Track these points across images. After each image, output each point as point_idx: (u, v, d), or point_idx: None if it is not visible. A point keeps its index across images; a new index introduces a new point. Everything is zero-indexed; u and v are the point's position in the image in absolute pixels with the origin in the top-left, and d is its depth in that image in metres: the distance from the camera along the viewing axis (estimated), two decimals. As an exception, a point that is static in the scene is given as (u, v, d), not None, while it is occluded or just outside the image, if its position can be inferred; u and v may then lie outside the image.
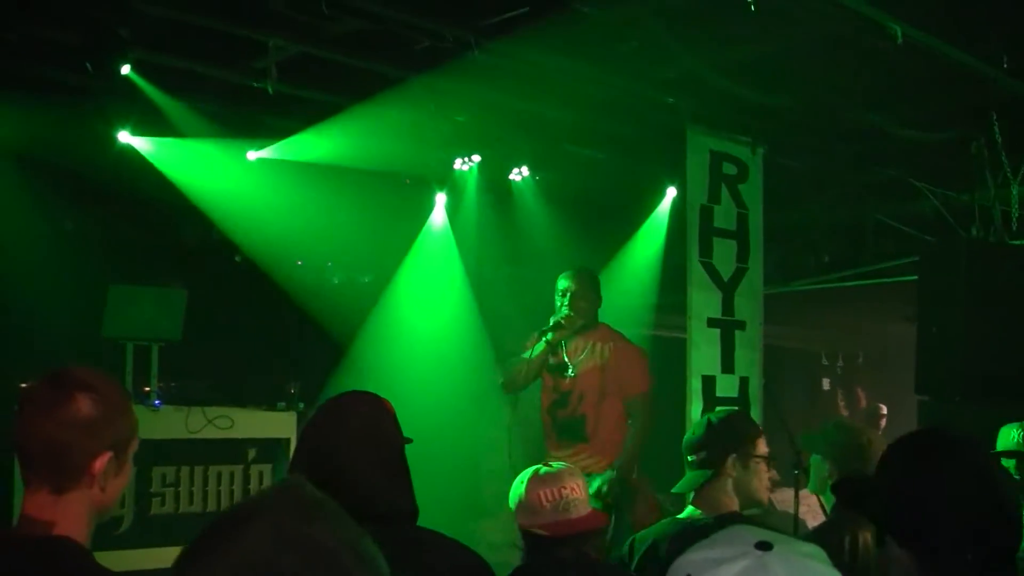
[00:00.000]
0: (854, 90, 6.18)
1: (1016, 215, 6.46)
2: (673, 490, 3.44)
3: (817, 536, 3.41)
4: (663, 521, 3.45)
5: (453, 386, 7.64)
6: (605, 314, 6.01)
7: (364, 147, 6.63)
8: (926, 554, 1.78)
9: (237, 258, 7.63)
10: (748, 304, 6.60)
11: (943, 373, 5.57)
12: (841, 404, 12.43)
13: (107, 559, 2.00)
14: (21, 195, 6.32)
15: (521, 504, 2.89)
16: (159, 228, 7.45)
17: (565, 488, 2.87)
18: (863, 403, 11.99)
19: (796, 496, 4.81)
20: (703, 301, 6.35)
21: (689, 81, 5.97)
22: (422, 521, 2.42)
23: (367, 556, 1.04)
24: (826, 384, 12.75)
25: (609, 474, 5.45)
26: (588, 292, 5.77)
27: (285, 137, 6.70)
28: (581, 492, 2.90)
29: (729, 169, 6.55)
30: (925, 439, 1.98)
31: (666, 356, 7.16)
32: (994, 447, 4.43)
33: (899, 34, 4.90)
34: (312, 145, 6.63)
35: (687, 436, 3.42)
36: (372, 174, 7.27)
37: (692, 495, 3.38)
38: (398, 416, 2.46)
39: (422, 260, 8.26)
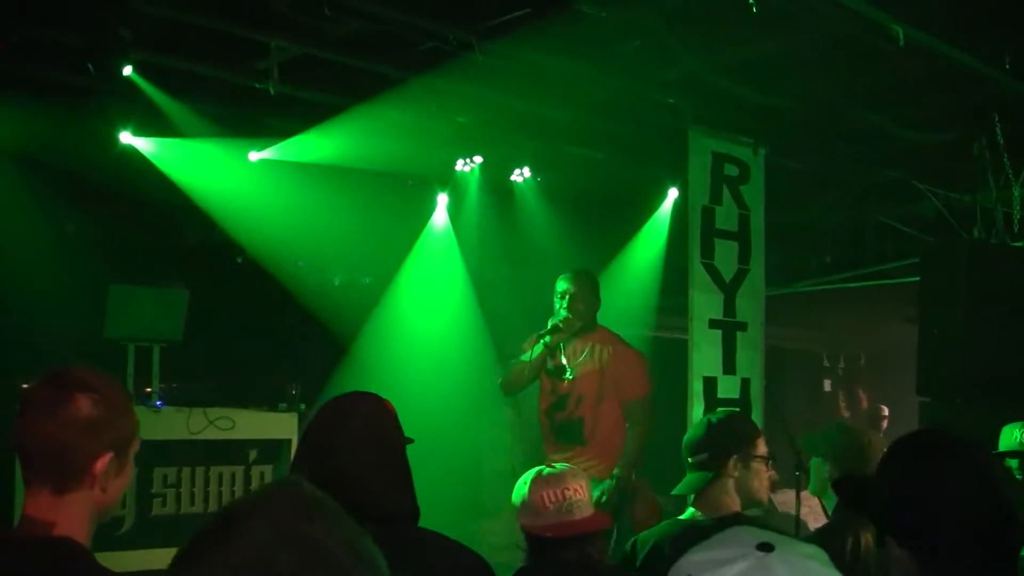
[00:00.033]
0: (856, 91, 6.18)
1: (1018, 216, 6.46)
2: (673, 492, 3.42)
3: (819, 538, 3.41)
4: (665, 522, 3.44)
5: (454, 387, 7.65)
6: (606, 315, 6.00)
7: (366, 148, 6.64)
8: (926, 555, 1.78)
9: (239, 259, 7.64)
10: (750, 305, 6.59)
11: (944, 374, 5.57)
12: (842, 405, 12.44)
13: (108, 560, 2.00)
14: (23, 196, 6.33)
15: (524, 505, 2.88)
16: (161, 229, 7.45)
17: (568, 489, 2.86)
18: (864, 404, 12.00)
19: (797, 497, 4.81)
20: (704, 302, 6.35)
21: (690, 82, 5.97)
22: (423, 522, 2.42)
23: (366, 555, 1.03)
24: (827, 385, 12.77)
25: (608, 484, 5.42)
26: (587, 294, 5.73)
27: (287, 138, 6.71)
28: (584, 493, 2.90)
29: (730, 170, 6.54)
30: (926, 439, 1.98)
31: (667, 357, 7.16)
32: (996, 448, 4.42)
33: (901, 35, 4.90)
34: (314, 146, 6.64)
35: (687, 437, 3.40)
36: (374, 175, 7.28)
37: (692, 496, 3.37)
38: (399, 417, 2.47)
39: (424, 261, 8.27)
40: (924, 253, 6.27)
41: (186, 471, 6.07)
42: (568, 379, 5.65)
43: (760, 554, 1.15)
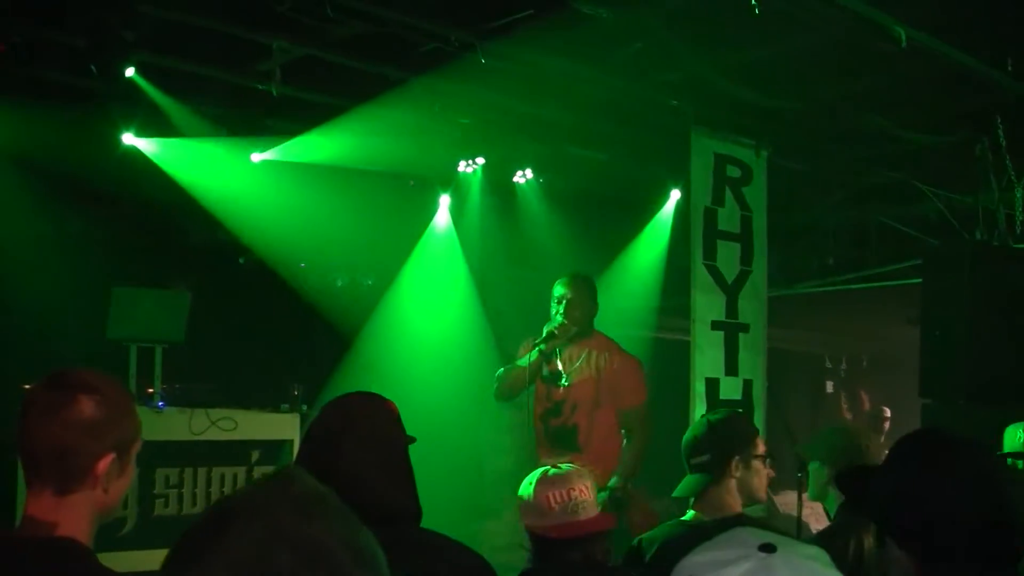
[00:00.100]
0: (858, 93, 6.18)
1: (1020, 218, 6.45)
2: (675, 494, 3.40)
3: (821, 540, 3.40)
4: (669, 522, 3.43)
5: (456, 388, 7.65)
6: (608, 316, 5.98)
7: (368, 149, 6.64)
8: (926, 556, 1.77)
9: (241, 260, 7.65)
10: (752, 307, 6.59)
11: (947, 375, 5.57)
12: (844, 407, 12.43)
13: (110, 560, 2.00)
14: (25, 197, 6.33)
15: (529, 505, 2.88)
16: (163, 230, 7.46)
17: (574, 490, 2.86)
18: (867, 406, 12.00)
19: (799, 499, 4.81)
20: (707, 304, 6.34)
21: (693, 83, 5.97)
22: (425, 522, 2.42)
23: (367, 553, 1.02)
24: (830, 387, 12.76)
25: (604, 494, 5.38)
26: (584, 299, 5.65)
27: (289, 139, 6.71)
28: (589, 494, 2.89)
29: (733, 171, 6.54)
30: (928, 439, 1.97)
31: (669, 359, 7.16)
32: (998, 449, 4.42)
33: (903, 37, 4.90)
34: (316, 147, 6.64)
35: (687, 437, 3.38)
36: (376, 176, 7.28)
37: (693, 498, 3.36)
38: (402, 418, 2.47)
39: (426, 262, 8.27)
40: (926, 255, 6.27)
41: (188, 472, 6.07)
42: (564, 385, 5.58)
43: (762, 555, 1.15)
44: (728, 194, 6.50)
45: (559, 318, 5.56)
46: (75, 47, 5.35)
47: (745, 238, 6.59)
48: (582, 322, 5.62)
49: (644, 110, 6.51)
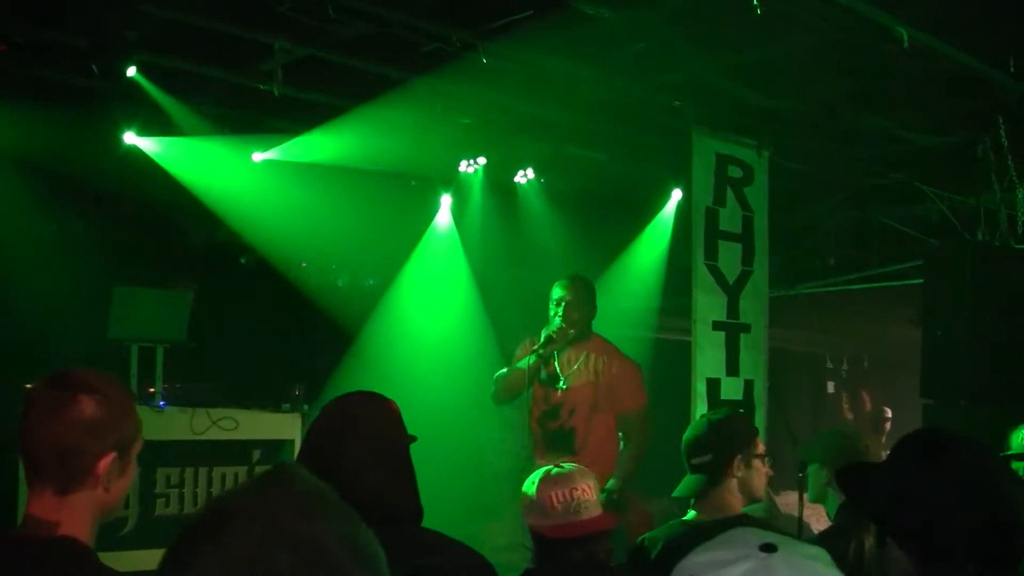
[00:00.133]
0: (860, 93, 6.18)
1: (1021, 218, 6.45)
2: (675, 494, 3.38)
3: (822, 541, 3.40)
4: (671, 523, 3.43)
5: (458, 387, 7.65)
6: (609, 317, 5.96)
7: (369, 149, 6.64)
8: (926, 556, 1.76)
9: (242, 259, 7.65)
10: (753, 307, 6.59)
11: (948, 376, 5.56)
12: (846, 407, 12.43)
13: (111, 560, 2.00)
14: (26, 197, 6.34)
15: (532, 505, 2.88)
16: (165, 230, 7.46)
17: (576, 489, 2.86)
18: (868, 406, 11.99)
19: (800, 499, 4.80)
20: (708, 304, 6.34)
21: (694, 84, 5.97)
22: (425, 522, 2.42)
23: (366, 551, 1.01)
24: (831, 387, 12.76)
25: (601, 498, 5.35)
26: (583, 301, 5.62)
27: (290, 139, 6.71)
28: (592, 493, 2.89)
29: (734, 172, 6.54)
30: (930, 438, 1.94)
31: (670, 359, 7.16)
32: (1001, 450, 4.41)
33: (905, 37, 4.90)
34: (317, 147, 6.64)
35: (688, 437, 3.35)
36: (377, 176, 7.28)
37: (694, 498, 3.35)
38: (404, 418, 2.46)
39: (427, 262, 8.27)
40: (928, 255, 6.26)
41: (189, 471, 6.07)
42: (561, 388, 5.55)
43: (763, 555, 1.15)
44: (729, 194, 6.50)
45: (557, 320, 5.53)
46: (77, 47, 5.35)
47: (746, 238, 6.59)
48: (580, 324, 5.59)
49: (645, 110, 6.52)
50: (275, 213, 7.07)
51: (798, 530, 4.82)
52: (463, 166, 7.72)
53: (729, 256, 6.46)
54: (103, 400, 1.98)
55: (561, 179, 7.87)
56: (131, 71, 5.56)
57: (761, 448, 3.39)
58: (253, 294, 7.65)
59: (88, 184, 6.50)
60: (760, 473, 3.34)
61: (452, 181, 8.00)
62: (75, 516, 1.96)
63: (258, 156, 6.98)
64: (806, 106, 6.31)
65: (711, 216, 6.39)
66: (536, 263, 7.97)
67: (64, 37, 5.44)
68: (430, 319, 8.23)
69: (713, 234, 6.39)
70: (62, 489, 1.96)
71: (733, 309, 6.46)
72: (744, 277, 6.55)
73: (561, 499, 2.83)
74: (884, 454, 2.07)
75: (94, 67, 5.33)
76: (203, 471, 6.12)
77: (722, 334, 6.40)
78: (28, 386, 2.09)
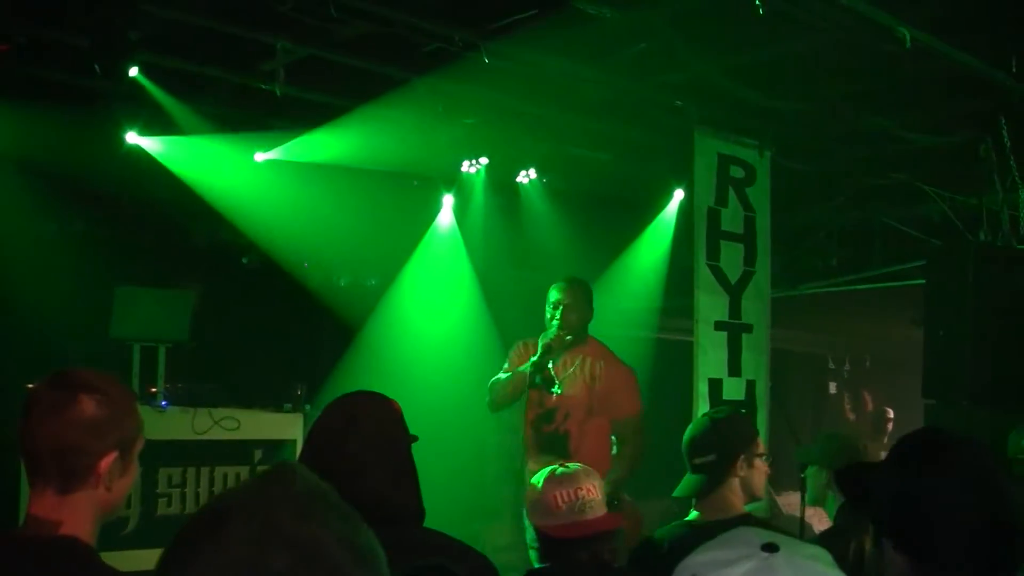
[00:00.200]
0: (862, 94, 6.18)
1: (1024, 219, 6.45)
2: (675, 494, 3.37)
3: (822, 541, 3.40)
4: (674, 523, 3.42)
5: (460, 388, 7.64)
6: (611, 317, 5.96)
7: (371, 149, 6.64)
8: (924, 558, 1.74)
9: (244, 259, 7.66)
10: (755, 307, 6.59)
11: (950, 377, 5.56)
12: (848, 408, 12.40)
13: (113, 559, 2.01)
14: (29, 197, 6.35)
15: (537, 504, 2.87)
16: (167, 230, 7.47)
17: (581, 489, 2.85)
18: (870, 407, 11.96)
19: (803, 499, 4.80)
20: (710, 304, 6.34)
21: (697, 84, 5.97)
22: (427, 522, 2.42)
23: (366, 552, 1.00)
24: (833, 388, 12.73)
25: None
26: (580, 304, 5.57)
27: (292, 139, 6.71)
28: (597, 493, 2.87)
29: (736, 172, 6.54)
30: (929, 439, 1.92)
31: (672, 359, 7.15)
32: (1003, 451, 4.40)
33: (907, 38, 4.90)
34: (319, 146, 6.65)
35: (689, 436, 3.33)
36: (379, 176, 7.28)
37: (696, 498, 3.34)
38: (405, 418, 2.46)
39: (429, 262, 8.28)
40: (930, 256, 6.25)
41: (191, 471, 6.08)
42: (556, 392, 5.50)
43: (765, 555, 1.15)
44: (731, 194, 6.50)
45: (555, 323, 5.47)
46: (79, 47, 5.36)
47: (748, 238, 6.59)
48: (577, 327, 5.54)
49: (647, 110, 6.51)
50: (277, 213, 7.07)
51: (800, 530, 4.82)
52: (465, 166, 7.73)
53: (731, 256, 6.46)
54: (104, 400, 1.98)
55: (563, 179, 7.87)
56: (133, 71, 5.56)
57: (762, 447, 3.38)
58: (255, 294, 7.66)
59: (90, 184, 6.51)
60: (761, 472, 3.33)
61: (454, 181, 8.01)
62: (77, 516, 1.97)
63: (260, 156, 6.99)
64: (808, 106, 6.31)
65: (713, 216, 6.39)
66: (538, 263, 7.97)
67: (66, 37, 5.44)
68: (432, 319, 8.24)
69: (715, 234, 6.39)
70: (64, 489, 1.96)
71: (735, 309, 6.46)
72: (746, 277, 6.54)
73: (566, 499, 2.82)
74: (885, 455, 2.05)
75: (96, 67, 5.33)
76: (205, 471, 6.13)
77: (724, 334, 6.39)
78: (30, 386, 2.09)
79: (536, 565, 2.90)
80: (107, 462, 1.98)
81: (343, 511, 1.01)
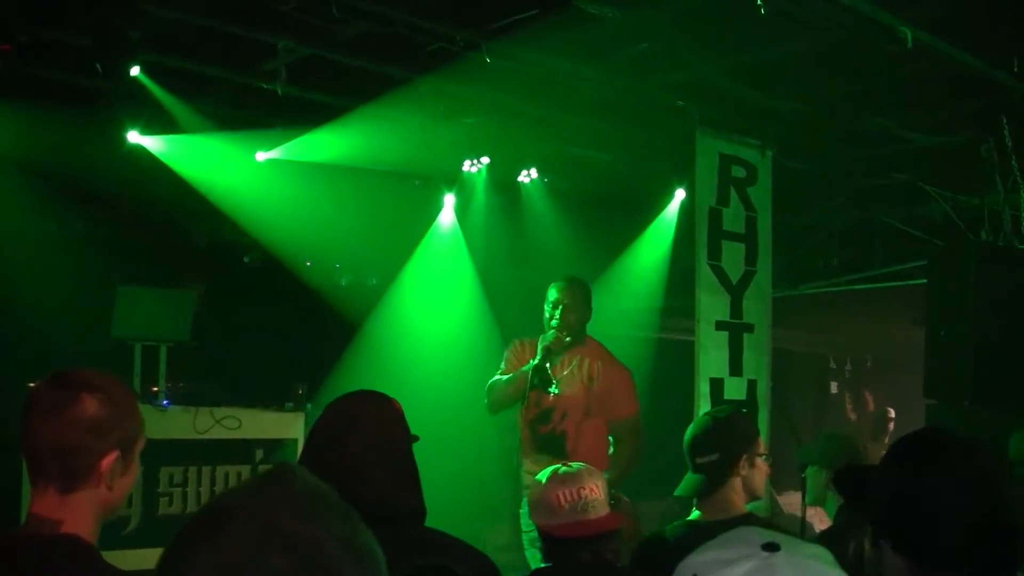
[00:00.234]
0: (863, 93, 6.18)
1: (1026, 219, 6.45)
2: (676, 493, 3.36)
3: (823, 541, 3.39)
4: (676, 523, 3.41)
5: (461, 387, 7.64)
6: (612, 317, 5.95)
7: (373, 148, 6.64)
8: (923, 558, 1.73)
9: (245, 259, 7.66)
10: (756, 307, 6.59)
11: (952, 377, 5.55)
12: (849, 408, 12.41)
13: (114, 558, 2.01)
14: (30, 197, 6.35)
15: (539, 504, 2.87)
16: (168, 229, 7.47)
17: (584, 488, 2.84)
18: (871, 407, 11.96)
19: (803, 499, 4.80)
20: (711, 304, 6.34)
21: (698, 84, 5.97)
22: (428, 522, 2.42)
23: (365, 553, 1.00)
24: (834, 388, 12.73)
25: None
26: (579, 304, 5.53)
27: (294, 138, 6.72)
28: (600, 492, 2.86)
29: (738, 172, 6.54)
30: (927, 439, 1.91)
31: (673, 359, 7.16)
32: (1004, 451, 4.40)
33: (909, 38, 4.89)
34: (321, 146, 6.65)
35: (691, 435, 3.31)
36: (381, 175, 7.29)
37: (697, 498, 3.33)
38: (406, 417, 2.46)
39: (430, 261, 8.28)
40: (931, 256, 6.24)
41: (192, 470, 6.09)
42: (554, 393, 5.47)
43: (766, 554, 1.15)
44: (733, 194, 6.50)
45: (554, 322, 5.46)
46: (80, 47, 5.36)
47: (750, 238, 6.59)
48: (576, 327, 5.50)
49: (649, 110, 6.51)
50: (279, 212, 7.08)
51: (801, 530, 4.82)
52: (466, 165, 7.73)
53: (732, 256, 6.46)
54: (105, 399, 1.98)
55: (564, 179, 7.87)
56: (135, 71, 5.57)
57: (763, 447, 3.38)
58: (256, 293, 7.66)
59: (91, 183, 6.51)
60: (762, 472, 3.33)
61: (455, 180, 8.01)
62: (78, 515, 1.97)
63: (262, 155, 6.99)
64: (810, 106, 6.31)
65: (714, 216, 6.39)
66: (539, 262, 7.97)
67: (68, 37, 5.44)
68: (433, 318, 8.24)
69: (716, 234, 6.39)
70: (65, 488, 1.96)
71: (736, 309, 6.46)
72: (747, 277, 6.54)
73: (568, 498, 2.82)
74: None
75: (98, 67, 5.34)
76: (206, 470, 6.13)
77: (725, 334, 6.39)
78: (31, 385, 2.09)
79: (531, 563, 2.89)
80: (108, 461, 1.98)
81: (343, 511, 1.01)
